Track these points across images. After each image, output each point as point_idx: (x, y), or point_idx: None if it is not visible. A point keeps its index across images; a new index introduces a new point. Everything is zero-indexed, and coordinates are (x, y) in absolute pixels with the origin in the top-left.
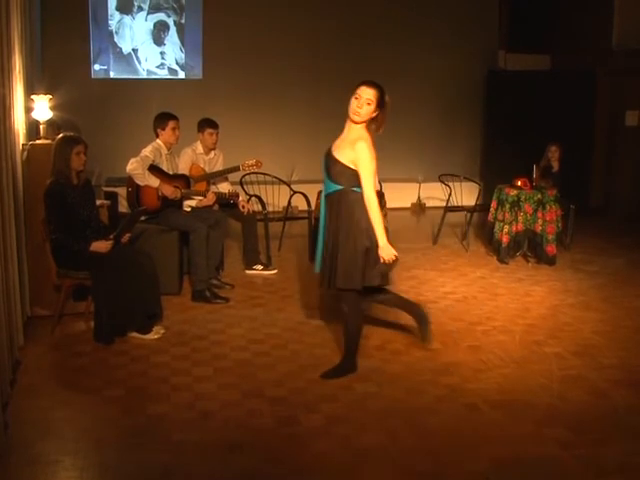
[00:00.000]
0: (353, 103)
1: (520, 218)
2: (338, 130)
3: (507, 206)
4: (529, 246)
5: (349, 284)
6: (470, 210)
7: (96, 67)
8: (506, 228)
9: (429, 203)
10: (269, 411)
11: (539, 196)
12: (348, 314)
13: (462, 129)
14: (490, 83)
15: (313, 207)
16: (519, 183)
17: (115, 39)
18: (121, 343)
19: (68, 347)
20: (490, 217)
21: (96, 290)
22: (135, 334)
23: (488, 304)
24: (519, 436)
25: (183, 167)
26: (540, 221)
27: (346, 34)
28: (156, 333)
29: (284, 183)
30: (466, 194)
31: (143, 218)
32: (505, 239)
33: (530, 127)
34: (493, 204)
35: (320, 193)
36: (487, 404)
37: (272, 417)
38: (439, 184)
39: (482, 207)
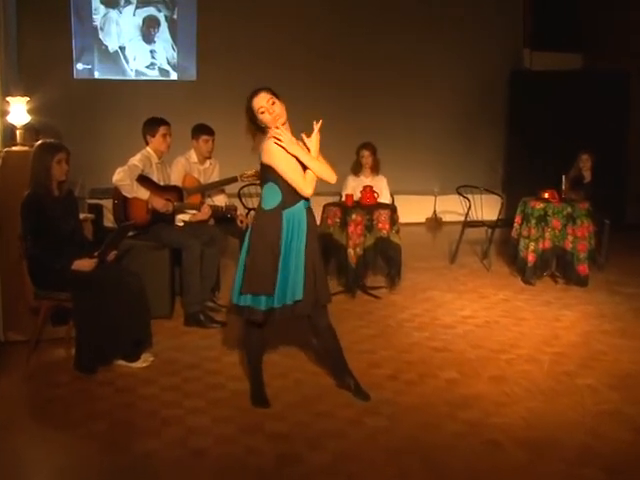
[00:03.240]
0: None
1: (547, 234)
2: (345, 137)
3: (533, 221)
4: (558, 265)
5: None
6: (491, 225)
7: (79, 66)
8: (532, 245)
9: (446, 218)
10: (269, 448)
11: (569, 210)
12: (332, 328)
13: (483, 135)
14: (514, 84)
15: (318, 222)
16: (546, 195)
17: (100, 36)
18: (105, 372)
19: (45, 377)
20: (514, 233)
21: (78, 313)
22: (121, 362)
23: (512, 330)
24: (547, 478)
25: (175, 178)
26: (570, 237)
27: (354, 32)
28: (144, 361)
29: None
30: (487, 208)
31: (131, 234)
32: (531, 257)
33: (558, 133)
34: (517, 219)
35: (326, 207)
36: (511, 441)
37: (272, 455)
38: (457, 197)
39: (505, 222)
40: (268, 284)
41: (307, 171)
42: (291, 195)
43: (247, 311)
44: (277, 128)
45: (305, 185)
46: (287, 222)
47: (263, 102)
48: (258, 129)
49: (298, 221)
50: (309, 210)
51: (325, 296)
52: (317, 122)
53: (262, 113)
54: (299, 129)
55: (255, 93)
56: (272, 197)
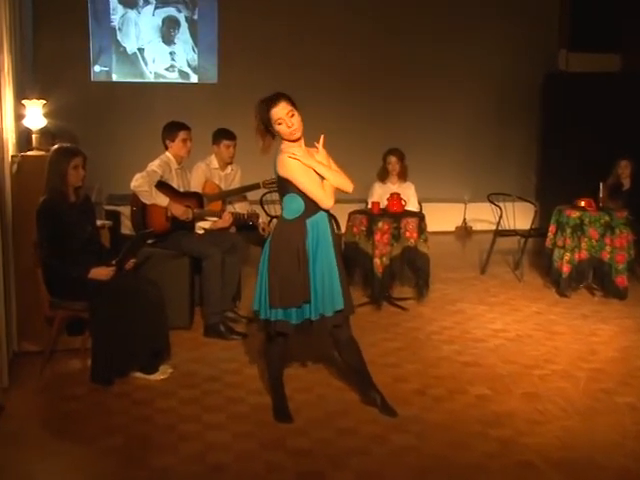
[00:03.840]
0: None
1: (584, 244)
2: (371, 142)
3: (568, 230)
4: (594, 277)
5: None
6: (524, 235)
7: (96, 68)
8: (567, 256)
9: (476, 226)
10: (291, 465)
11: (607, 219)
12: (355, 340)
13: (515, 140)
14: (549, 87)
15: (343, 230)
16: (582, 204)
17: (118, 37)
18: (122, 384)
19: (60, 389)
20: (548, 243)
21: (94, 323)
22: (138, 374)
23: (546, 344)
24: None
25: (196, 184)
26: (608, 248)
27: (383, 31)
28: (162, 373)
29: None
30: (519, 216)
31: (150, 241)
32: (566, 269)
33: (596, 138)
34: (552, 228)
35: (352, 215)
36: (545, 462)
37: (294, 473)
38: (488, 204)
39: (538, 231)
40: (302, 294)
41: (324, 182)
42: (313, 203)
43: (278, 325)
44: (291, 141)
45: (325, 197)
46: (311, 230)
47: (282, 114)
48: (268, 132)
49: (323, 229)
50: (330, 217)
51: (349, 307)
52: (318, 140)
53: (279, 124)
54: (329, 139)
55: (274, 102)
56: (294, 207)
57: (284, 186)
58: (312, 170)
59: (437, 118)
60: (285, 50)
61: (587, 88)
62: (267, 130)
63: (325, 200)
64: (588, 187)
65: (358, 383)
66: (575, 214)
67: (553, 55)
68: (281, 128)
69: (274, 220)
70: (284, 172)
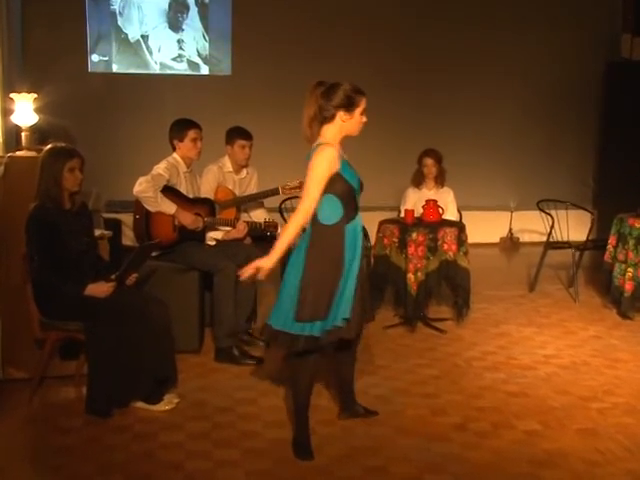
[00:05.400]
0: (362, 120)
1: None
2: (405, 142)
3: (631, 242)
4: None
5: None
6: (580, 247)
7: (94, 58)
8: (630, 272)
9: (524, 237)
10: None
11: None
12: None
13: (570, 140)
14: (610, 78)
15: (373, 242)
16: None
17: (119, 22)
18: (122, 416)
19: (51, 420)
20: (608, 257)
21: (91, 346)
22: (140, 404)
23: (606, 373)
24: None
25: (207, 189)
26: None
27: (415, 17)
28: (168, 403)
29: None
30: (574, 226)
31: (154, 254)
32: (628, 286)
33: None
34: (612, 240)
35: (382, 224)
36: None
37: None
38: (537, 213)
39: (596, 243)
40: (327, 306)
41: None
42: (351, 208)
43: (304, 340)
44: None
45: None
46: (348, 237)
47: (364, 106)
48: (323, 120)
49: (357, 236)
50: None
51: (370, 315)
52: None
53: (361, 114)
54: (356, 140)
55: (362, 91)
56: (333, 210)
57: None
58: (331, 176)
59: (479, 115)
60: (308, 39)
61: None
62: (324, 119)
63: (303, 214)
64: None
65: (345, 398)
66: (639, 224)
67: (615, 41)
68: (359, 120)
69: None
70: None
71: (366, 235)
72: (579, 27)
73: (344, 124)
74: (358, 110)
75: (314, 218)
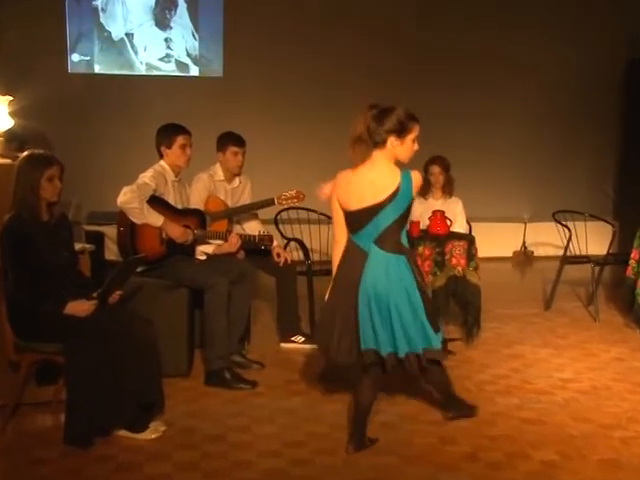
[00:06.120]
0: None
1: None
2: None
3: None
4: None
5: None
6: (599, 262)
7: (74, 58)
8: None
9: (539, 251)
10: None
11: None
12: None
13: (587, 145)
14: (631, 77)
15: None
16: None
17: (101, 19)
18: (103, 446)
19: (26, 451)
20: (630, 272)
21: (70, 370)
22: (124, 432)
23: (629, 399)
24: None
25: (196, 199)
26: None
27: (421, 13)
28: (154, 431)
29: None
30: (593, 239)
31: (140, 269)
32: None
33: None
34: (634, 254)
35: None
36: None
37: None
38: (553, 224)
39: (617, 257)
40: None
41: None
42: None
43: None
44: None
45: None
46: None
47: (416, 133)
48: (374, 145)
49: None
50: None
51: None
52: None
53: (413, 141)
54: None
55: (415, 118)
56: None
57: (408, 213)
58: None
59: (490, 120)
60: (305, 37)
61: None
62: (374, 143)
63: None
64: None
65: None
66: None
67: (635, 39)
68: (410, 146)
69: (292, 243)
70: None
71: None
72: (596, 25)
73: (394, 150)
74: (410, 137)
75: (404, 247)
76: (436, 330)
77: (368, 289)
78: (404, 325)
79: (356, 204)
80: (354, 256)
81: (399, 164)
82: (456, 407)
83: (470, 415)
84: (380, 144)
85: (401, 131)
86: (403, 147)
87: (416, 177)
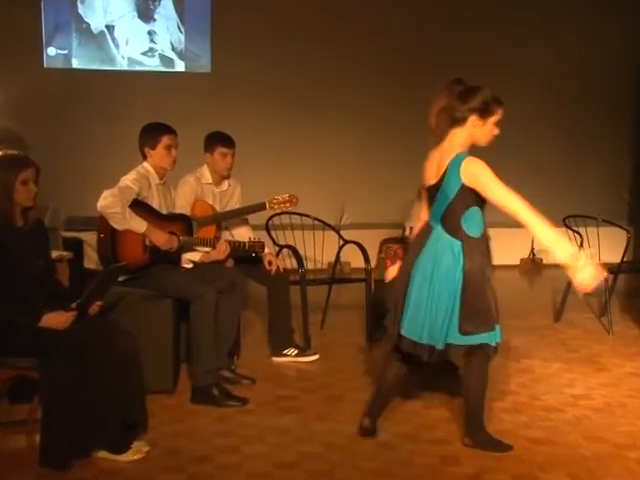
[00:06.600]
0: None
1: None
2: (411, 150)
3: None
4: None
5: None
6: (613, 270)
7: (50, 52)
8: None
9: (548, 259)
10: None
11: None
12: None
13: (600, 147)
14: None
15: (373, 264)
16: None
17: (80, 10)
18: (82, 468)
19: None
20: None
21: (46, 386)
22: (104, 454)
23: None
24: None
25: (182, 203)
26: None
27: (419, 6)
28: (136, 452)
29: (331, 229)
30: (607, 245)
31: (122, 278)
32: None
33: None
34: None
35: (385, 244)
36: None
37: None
38: (563, 230)
39: (632, 265)
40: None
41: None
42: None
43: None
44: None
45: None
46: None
47: (499, 117)
48: (453, 122)
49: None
50: None
51: None
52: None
53: (494, 124)
54: (354, 149)
55: (501, 101)
56: (478, 223)
57: (466, 198)
58: None
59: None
60: (300, 31)
61: None
62: (454, 121)
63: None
64: None
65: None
66: None
67: None
68: (490, 129)
69: (284, 251)
70: (474, 178)
71: None
72: (610, 24)
73: (474, 130)
74: (492, 119)
75: (463, 232)
76: (472, 330)
77: (416, 267)
78: (430, 313)
79: (428, 180)
80: (423, 232)
81: (474, 148)
82: (478, 437)
83: (494, 451)
84: (460, 121)
85: (484, 111)
86: (484, 128)
87: (468, 164)
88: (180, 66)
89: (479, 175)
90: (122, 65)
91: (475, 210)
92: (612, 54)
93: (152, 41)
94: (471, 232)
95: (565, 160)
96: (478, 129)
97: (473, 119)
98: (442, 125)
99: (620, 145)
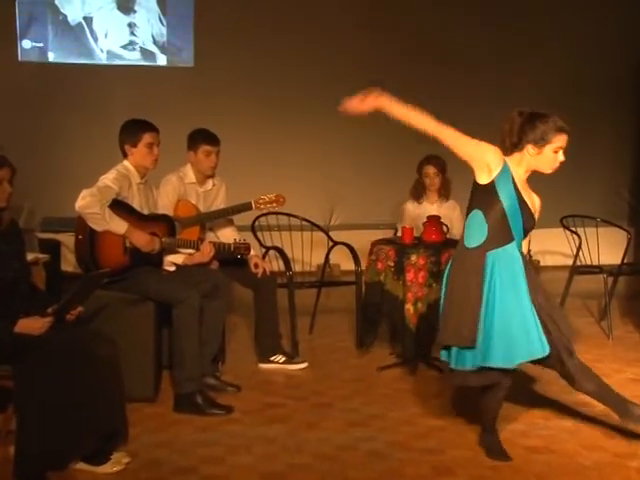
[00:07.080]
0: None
1: None
2: (403, 148)
3: None
4: None
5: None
6: (613, 272)
7: (25, 44)
8: None
9: (545, 260)
10: None
11: None
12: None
13: (601, 147)
14: None
15: (363, 266)
16: None
17: (56, 1)
18: None
19: None
20: None
21: (21, 395)
22: (82, 465)
23: None
24: None
25: (165, 204)
26: None
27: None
28: (116, 463)
29: (319, 229)
30: (606, 247)
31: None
32: None
33: None
34: None
35: (375, 245)
36: None
37: None
38: (561, 231)
39: (633, 267)
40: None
41: None
42: (500, 233)
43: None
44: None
45: None
46: (491, 266)
47: (559, 144)
48: (512, 146)
49: (511, 267)
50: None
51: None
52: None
53: (555, 152)
54: (344, 148)
55: (563, 129)
56: (477, 231)
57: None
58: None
59: (490, 117)
60: (286, 24)
61: None
62: (514, 146)
63: None
64: None
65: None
66: None
67: None
68: (550, 157)
69: (271, 252)
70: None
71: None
72: (609, 18)
73: (530, 158)
74: (549, 147)
75: (460, 240)
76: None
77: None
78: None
79: None
80: None
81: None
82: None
83: (493, 458)
84: (517, 148)
85: (539, 140)
86: (541, 157)
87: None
88: (162, 60)
89: None
90: (101, 59)
91: (475, 214)
92: (612, 54)
93: (132, 34)
94: (467, 242)
95: (564, 161)
96: (534, 157)
97: (528, 147)
98: (506, 150)
99: (619, 143)
